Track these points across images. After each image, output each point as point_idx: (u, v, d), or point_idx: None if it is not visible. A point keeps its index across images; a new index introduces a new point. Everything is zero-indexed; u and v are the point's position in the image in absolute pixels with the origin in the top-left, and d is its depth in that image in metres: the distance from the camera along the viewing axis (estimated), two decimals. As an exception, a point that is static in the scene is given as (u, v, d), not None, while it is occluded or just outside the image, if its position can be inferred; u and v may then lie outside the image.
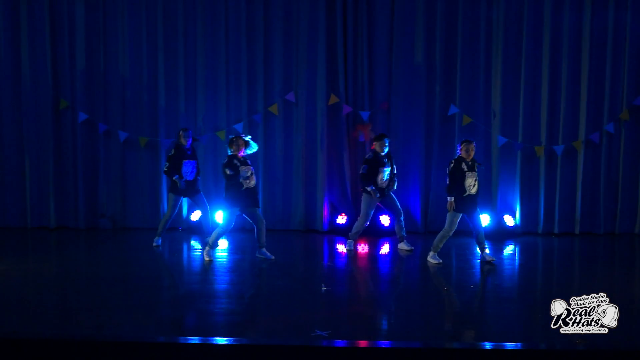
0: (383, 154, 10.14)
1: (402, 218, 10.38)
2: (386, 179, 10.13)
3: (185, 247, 10.87)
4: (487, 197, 11.71)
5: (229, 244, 10.84)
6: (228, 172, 9.28)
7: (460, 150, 9.30)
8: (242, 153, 9.43)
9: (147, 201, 12.05)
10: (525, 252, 10.73)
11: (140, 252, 9.98)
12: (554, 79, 11.65)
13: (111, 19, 11.83)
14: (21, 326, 6.67)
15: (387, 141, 10.14)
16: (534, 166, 11.81)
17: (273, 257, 9.66)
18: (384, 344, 6.23)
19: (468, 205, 9.20)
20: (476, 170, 9.29)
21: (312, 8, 11.70)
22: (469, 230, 10.88)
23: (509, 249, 10.72)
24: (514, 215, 11.76)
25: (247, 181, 9.33)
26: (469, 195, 9.19)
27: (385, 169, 10.07)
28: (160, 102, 11.88)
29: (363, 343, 6.34)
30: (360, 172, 10.15)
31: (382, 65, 11.80)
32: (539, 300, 7.74)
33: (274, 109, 11.82)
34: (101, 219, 12.05)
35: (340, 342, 6.25)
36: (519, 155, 11.71)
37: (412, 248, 10.37)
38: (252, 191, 9.45)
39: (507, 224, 11.61)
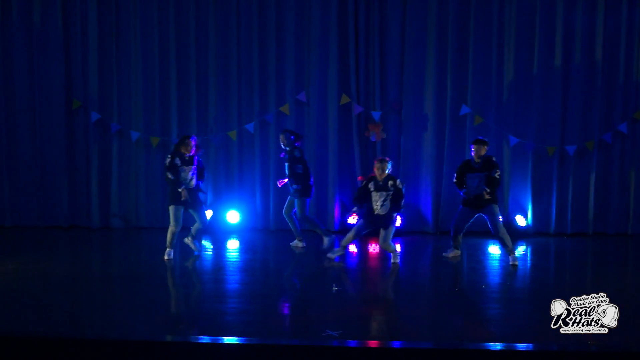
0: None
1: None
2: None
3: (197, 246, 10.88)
4: (499, 197, 11.66)
5: (240, 244, 10.86)
6: (170, 176, 9.50)
7: (375, 169, 9.30)
8: (192, 153, 9.56)
9: (160, 200, 12.08)
10: (537, 252, 10.68)
11: (152, 252, 10.01)
12: (566, 78, 11.60)
13: (123, 19, 11.89)
14: (33, 324, 6.71)
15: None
16: (546, 166, 11.76)
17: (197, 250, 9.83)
18: (395, 344, 6.22)
19: (375, 222, 9.27)
20: (389, 189, 9.22)
21: (324, 8, 11.70)
22: (480, 231, 10.90)
23: (520, 250, 10.68)
24: (525, 216, 11.72)
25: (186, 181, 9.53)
26: (378, 215, 9.24)
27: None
28: (172, 102, 11.92)
29: (374, 343, 6.33)
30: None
31: (394, 65, 11.78)
32: (550, 301, 7.68)
33: (285, 109, 11.83)
34: (113, 218, 12.10)
35: (351, 342, 6.25)
36: (531, 156, 11.67)
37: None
38: (193, 191, 9.57)
39: (519, 224, 11.56)
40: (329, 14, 11.69)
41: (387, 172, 9.24)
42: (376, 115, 11.69)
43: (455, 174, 9.63)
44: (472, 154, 9.43)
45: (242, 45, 11.87)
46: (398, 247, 10.82)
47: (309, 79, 11.84)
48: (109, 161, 12.07)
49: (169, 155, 9.60)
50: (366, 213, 9.39)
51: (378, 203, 9.23)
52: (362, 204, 9.36)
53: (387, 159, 9.42)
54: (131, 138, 11.91)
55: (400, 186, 9.30)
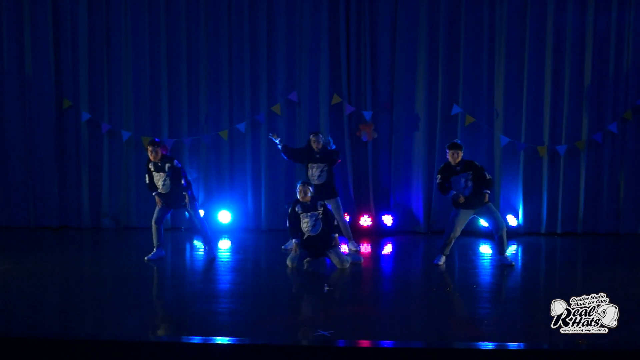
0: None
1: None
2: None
3: (187, 246, 10.88)
4: (490, 197, 11.69)
5: (232, 244, 10.84)
6: (146, 180, 9.75)
7: (298, 192, 9.18)
8: (165, 152, 9.56)
9: (150, 200, 11.95)
10: (528, 252, 10.71)
11: (143, 252, 9.97)
12: (556, 78, 11.64)
13: (114, 18, 11.84)
14: (23, 325, 6.68)
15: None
16: (536, 166, 11.79)
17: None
18: (387, 343, 6.23)
19: (312, 245, 9.19)
20: (317, 209, 9.14)
21: (315, 8, 11.70)
22: (470, 230, 10.93)
23: (511, 249, 10.70)
24: (516, 215, 11.75)
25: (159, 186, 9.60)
26: (309, 237, 9.14)
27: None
28: (163, 102, 11.89)
29: (365, 343, 6.33)
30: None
31: (385, 65, 11.79)
32: (541, 300, 7.72)
33: (276, 108, 11.82)
34: (104, 218, 12.06)
35: (342, 342, 6.25)
36: (522, 155, 11.70)
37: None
38: (171, 195, 9.59)
39: (509, 224, 11.58)
40: (320, 14, 11.68)
41: (309, 195, 9.14)
42: (367, 115, 11.70)
43: (438, 175, 9.34)
44: (448, 157, 9.26)
45: (233, 45, 11.85)
46: (388, 248, 10.83)
47: (300, 79, 11.83)
48: (99, 161, 12.03)
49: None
50: (302, 240, 9.19)
51: (308, 224, 9.12)
52: (299, 232, 9.21)
53: (308, 183, 9.31)
54: (122, 138, 11.87)
55: (327, 207, 9.34)
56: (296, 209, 9.20)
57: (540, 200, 11.78)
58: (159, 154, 9.51)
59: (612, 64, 11.58)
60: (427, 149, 11.86)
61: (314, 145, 10.18)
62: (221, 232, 11.67)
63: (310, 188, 9.21)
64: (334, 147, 10.29)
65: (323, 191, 9.99)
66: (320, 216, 9.18)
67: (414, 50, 11.69)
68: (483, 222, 10.95)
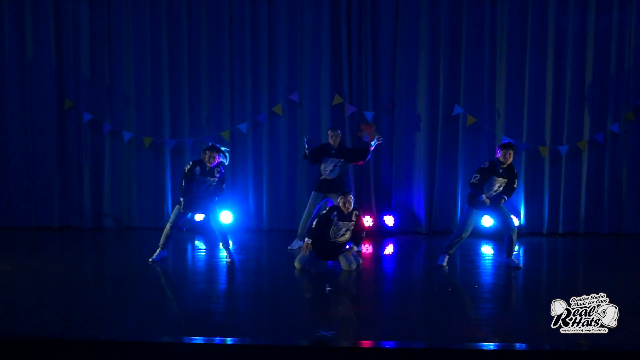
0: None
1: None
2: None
3: (189, 247, 10.88)
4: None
5: (233, 244, 10.84)
6: (182, 185, 9.33)
7: (342, 204, 9.02)
8: (214, 163, 9.34)
9: (152, 201, 12.06)
10: (530, 252, 10.71)
11: (145, 252, 9.99)
12: (558, 79, 11.63)
13: (115, 18, 11.84)
14: (24, 326, 6.69)
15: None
16: (538, 166, 11.79)
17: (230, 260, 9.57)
18: (388, 344, 6.23)
19: (331, 251, 9.14)
20: (352, 220, 9.03)
21: (317, 8, 11.70)
22: (473, 231, 10.92)
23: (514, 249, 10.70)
24: (518, 216, 11.74)
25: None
26: (333, 243, 9.04)
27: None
28: (165, 102, 11.88)
29: (367, 343, 6.34)
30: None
31: (386, 66, 11.79)
32: (541, 300, 7.72)
33: (278, 109, 11.82)
34: (106, 218, 12.06)
35: (344, 343, 6.26)
36: (523, 156, 11.69)
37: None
38: (199, 199, 9.40)
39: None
40: (322, 14, 11.68)
41: (352, 205, 9.03)
42: (369, 115, 11.69)
43: (477, 175, 9.12)
44: (499, 156, 9.10)
45: (235, 45, 11.84)
46: (390, 248, 10.83)
47: (301, 79, 11.83)
48: (101, 161, 12.03)
49: (191, 162, 9.47)
50: (319, 242, 9.08)
51: (339, 232, 9.04)
52: (319, 235, 9.09)
53: (348, 192, 9.13)
54: (123, 138, 11.88)
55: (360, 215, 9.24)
56: (332, 216, 9.06)
57: (542, 200, 11.78)
58: (215, 161, 9.32)
59: (613, 64, 11.57)
60: (429, 149, 11.85)
61: (331, 140, 10.27)
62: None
63: (352, 197, 9.06)
64: (306, 145, 10.31)
65: (330, 186, 10.03)
66: (352, 227, 9.09)
67: (416, 51, 11.69)
68: (487, 220, 10.95)
